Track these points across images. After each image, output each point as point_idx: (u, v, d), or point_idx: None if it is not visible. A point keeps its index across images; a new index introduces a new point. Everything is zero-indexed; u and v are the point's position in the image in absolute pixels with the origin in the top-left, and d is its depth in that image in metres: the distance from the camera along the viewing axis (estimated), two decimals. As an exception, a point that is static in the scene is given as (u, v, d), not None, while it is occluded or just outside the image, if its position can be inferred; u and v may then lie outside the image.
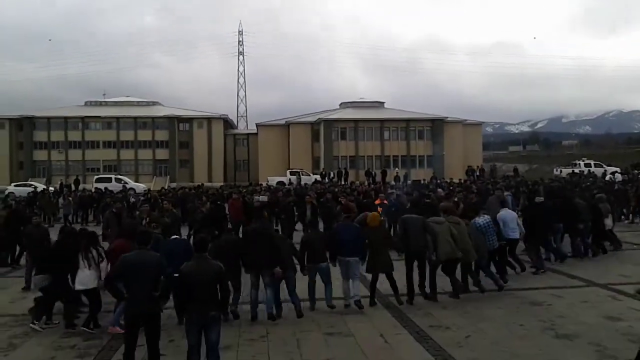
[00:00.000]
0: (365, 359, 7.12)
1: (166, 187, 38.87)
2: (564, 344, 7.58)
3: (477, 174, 45.35)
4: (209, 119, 63.22)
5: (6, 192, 36.40)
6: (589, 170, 42.91)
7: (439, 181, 35.94)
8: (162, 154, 62.28)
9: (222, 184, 50.63)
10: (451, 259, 10.05)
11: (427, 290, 10.15)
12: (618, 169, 42.03)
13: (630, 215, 21.62)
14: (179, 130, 62.75)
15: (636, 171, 38.13)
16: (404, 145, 58.64)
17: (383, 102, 67.36)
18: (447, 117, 60.48)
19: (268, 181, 42.85)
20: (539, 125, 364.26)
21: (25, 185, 43.81)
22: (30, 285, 11.19)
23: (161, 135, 62.40)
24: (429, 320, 8.80)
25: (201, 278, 6.32)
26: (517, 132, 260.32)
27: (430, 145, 58.27)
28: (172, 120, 62.31)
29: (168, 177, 59.58)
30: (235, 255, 9.02)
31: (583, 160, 48.55)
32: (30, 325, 8.81)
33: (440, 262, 10.12)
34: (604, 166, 44.95)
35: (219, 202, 18.78)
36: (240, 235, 11.26)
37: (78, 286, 8.68)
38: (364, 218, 10.54)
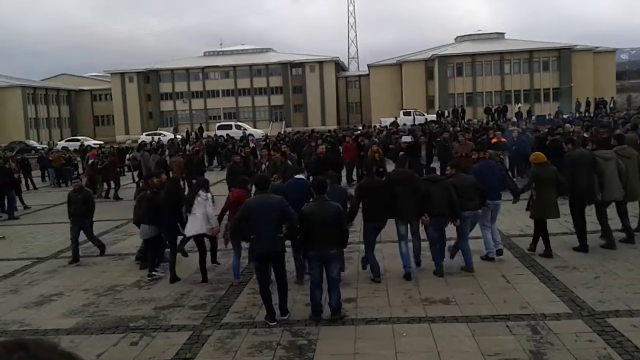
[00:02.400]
0: (486, 298, 7.04)
1: (282, 132, 40.00)
2: None
3: (612, 105, 41.69)
4: (321, 63, 63.45)
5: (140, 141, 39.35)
6: None
7: (565, 116, 33.58)
8: (277, 99, 63.90)
9: (335, 126, 51.13)
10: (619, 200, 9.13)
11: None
12: None
13: None
14: (292, 75, 63.78)
15: None
16: (527, 78, 55.18)
17: (503, 33, 63.40)
18: (576, 46, 55.74)
19: (381, 122, 42.53)
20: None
21: (155, 134, 47.16)
22: None
23: (275, 81, 63.83)
24: (555, 261, 8.45)
25: (321, 218, 6.56)
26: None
27: (556, 78, 54.34)
28: (285, 66, 63.34)
29: (283, 122, 61.22)
30: (379, 198, 8.08)
31: None
32: (152, 274, 8.88)
33: (607, 203, 9.20)
34: None
35: (334, 144, 19.05)
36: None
37: (189, 232, 8.59)
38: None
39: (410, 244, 8.29)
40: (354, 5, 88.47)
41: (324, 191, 6.88)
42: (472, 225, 8.58)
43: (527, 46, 56.83)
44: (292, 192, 7.98)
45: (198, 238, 8.62)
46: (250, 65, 64.52)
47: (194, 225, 8.46)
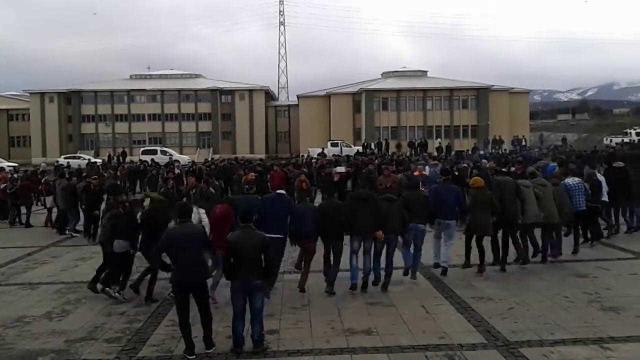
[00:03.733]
0: (407, 329, 7.16)
1: (209, 159, 39.51)
2: (610, 317, 7.44)
3: (524, 143, 44.23)
4: (251, 91, 63.59)
5: (58, 163, 37.63)
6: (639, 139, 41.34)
7: (482, 152, 35.27)
8: (205, 126, 63.18)
9: (263, 155, 51.11)
10: (536, 223, 10.22)
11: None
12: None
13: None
14: (221, 103, 63.41)
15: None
16: (447, 115, 57.68)
17: (426, 71, 66.19)
18: (492, 86, 59.04)
19: (309, 152, 42.95)
20: (589, 93, 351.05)
21: (74, 158, 45.26)
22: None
23: (204, 107, 63.22)
24: (471, 292, 8.76)
25: (246, 247, 6.48)
26: (566, 100, 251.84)
27: (474, 115, 57.14)
28: (215, 93, 62.95)
29: (211, 149, 60.52)
30: (338, 219, 8.76)
31: (635, 129, 46.76)
32: (116, 294, 8.74)
33: (526, 226, 10.19)
34: (658, 135, 43.17)
35: (261, 173, 19.01)
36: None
37: None
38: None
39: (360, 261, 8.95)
40: (284, 37, 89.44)
41: (250, 220, 6.82)
42: (419, 240, 9.44)
43: (448, 84, 59.62)
44: (272, 207, 8.71)
45: None
46: (179, 90, 63.62)
47: None
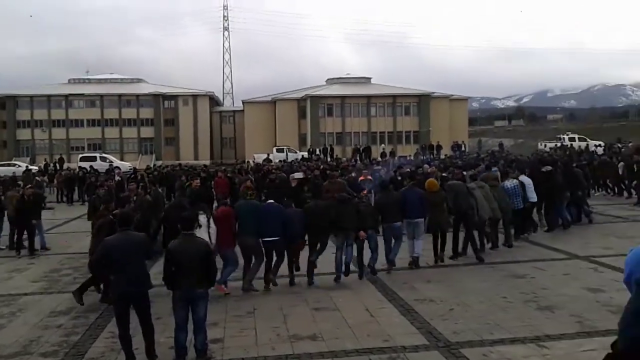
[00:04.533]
0: (352, 333, 7.21)
1: (152, 166, 38.63)
2: (546, 316, 7.73)
3: (463, 149, 45.52)
4: (195, 96, 62.69)
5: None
6: (572, 144, 43.29)
7: (424, 157, 36.06)
8: (147, 131, 61.77)
9: (208, 161, 50.48)
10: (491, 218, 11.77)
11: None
12: (602, 143, 42.42)
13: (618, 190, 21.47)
14: (164, 108, 62.21)
15: (620, 144, 38.45)
16: (391, 121, 58.68)
17: (370, 78, 67.14)
18: (433, 93, 60.49)
19: (254, 158, 42.73)
20: (525, 100, 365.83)
21: (8, 165, 43.28)
22: None
23: (146, 112, 61.82)
24: (414, 294, 8.92)
25: (188, 255, 6.35)
26: (503, 106, 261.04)
27: (416, 121, 58.36)
28: (157, 98, 61.70)
29: (153, 155, 59.21)
30: (325, 219, 9.76)
31: (567, 135, 48.94)
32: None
33: (483, 221, 11.63)
34: (588, 140, 45.31)
35: (205, 179, 18.76)
36: None
37: None
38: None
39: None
40: (229, 42, 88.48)
41: (191, 227, 6.70)
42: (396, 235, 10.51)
43: (391, 91, 60.73)
44: (265, 214, 9.40)
45: None
46: (120, 95, 61.98)
47: None
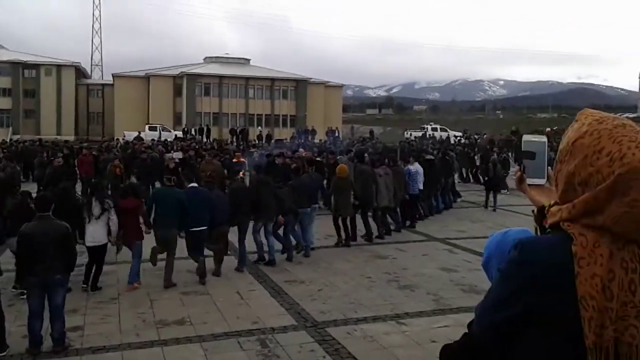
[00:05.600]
0: (220, 315, 7.20)
1: (8, 140, 35.25)
2: (406, 294, 8.27)
3: (337, 134, 46.77)
4: (59, 66, 57.91)
5: None
6: (434, 134, 46.27)
7: (301, 141, 36.57)
8: (3, 102, 56.09)
9: (72, 137, 47.17)
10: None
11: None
12: (461, 134, 45.74)
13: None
14: (23, 77, 56.76)
15: (476, 136, 41.75)
16: (269, 104, 58.62)
17: (249, 60, 66.41)
18: (310, 78, 61.31)
19: (124, 136, 40.62)
20: (394, 90, 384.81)
21: None
22: None
23: (3, 82, 56.03)
24: (285, 276, 9.10)
25: (45, 239, 5.94)
26: (375, 95, 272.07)
27: (293, 105, 58.88)
28: (16, 66, 56.15)
29: (10, 128, 54.00)
30: (247, 201, 9.50)
31: (431, 125, 52.14)
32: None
33: (380, 208, 11.96)
34: (449, 131, 48.63)
35: (68, 157, 17.54)
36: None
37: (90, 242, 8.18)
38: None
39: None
40: (99, 10, 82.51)
41: (48, 209, 6.25)
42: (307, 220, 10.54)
43: (269, 74, 60.59)
44: (193, 201, 8.66)
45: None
46: (-30, 61, 55.64)
47: (93, 234, 8.12)
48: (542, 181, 1.54)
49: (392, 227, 12.62)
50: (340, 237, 11.36)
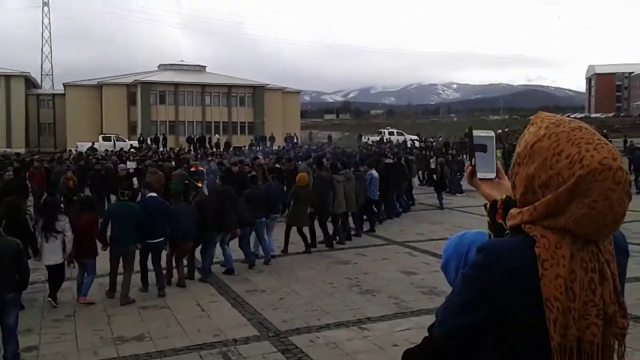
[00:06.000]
0: (181, 329, 7.08)
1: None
2: (367, 299, 8.32)
3: (295, 141, 46.79)
4: (7, 76, 55.96)
5: None
6: (391, 138, 46.77)
7: (259, 148, 36.41)
8: (-54, 114, 53.91)
9: (23, 149, 45.64)
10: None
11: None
12: (417, 137, 46.41)
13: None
14: (-32, 88, 54.73)
15: (432, 139, 42.46)
16: (226, 111, 58.15)
17: (205, 66, 65.79)
18: (267, 85, 61.18)
19: (77, 147, 39.57)
20: (351, 95, 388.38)
21: None
22: None
23: (-55, 93, 53.88)
24: (246, 286, 9.03)
25: (-6, 257, 5.73)
26: (332, 101, 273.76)
27: (251, 112, 58.59)
28: (-41, 76, 54.07)
29: (-43, 141, 51.88)
30: (213, 213, 9.37)
31: (387, 129, 52.68)
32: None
33: (337, 214, 11.94)
34: (405, 135, 49.27)
35: (19, 170, 16.91)
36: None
37: (48, 261, 7.97)
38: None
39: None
40: (49, 18, 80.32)
41: (-2, 226, 6.04)
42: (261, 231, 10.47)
43: (226, 81, 60.16)
44: (151, 212, 8.49)
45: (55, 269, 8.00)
46: None
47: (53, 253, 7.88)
48: (492, 175, 1.59)
49: (352, 233, 12.67)
50: (286, 247, 11.25)
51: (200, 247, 9.58)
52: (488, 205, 1.55)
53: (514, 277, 1.30)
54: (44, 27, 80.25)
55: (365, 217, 13.55)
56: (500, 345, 1.34)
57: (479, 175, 1.59)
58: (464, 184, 18.47)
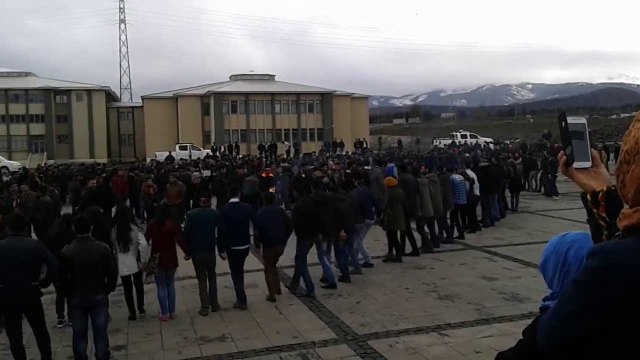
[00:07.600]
0: (261, 331, 7.17)
1: (43, 165, 36.18)
2: (446, 305, 8.11)
3: (365, 146, 46.70)
4: (89, 91, 59.41)
5: None
6: (464, 140, 45.65)
7: (329, 154, 36.60)
8: (37, 128, 57.74)
9: (105, 160, 48.15)
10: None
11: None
12: (491, 140, 45.13)
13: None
14: (55, 103, 58.41)
15: (508, 141, 41.17)
16: (295, 118, 58.93)
17: (274, 75, 66.99)
18: (335, 91, 61.46)
19: (156, 156, 41.30)
20: (420, 98, 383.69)
21: None
22: None
23: (36, 108, 57.74)
24: (322, 290, 9.01)
25: (85, 260, 6.01)
26: (400, 105, 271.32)
27: (320, 119, 59.06)
28: (48, 92, 57.81)
29: (45, 153, 55.46)
30: (315, 216, 9.00)
31: (460, 132, 51.54)
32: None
33: (425, 219, 11.61)
34: (478, 137, 48.03)
35: (104, 179, 17.83)
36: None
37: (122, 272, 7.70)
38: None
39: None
40: (126, 35, 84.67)
41: (87, 230, 6.33)
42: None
43: (294, 89, 60.98)
44: (231, 215, 8.38)
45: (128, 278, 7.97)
46: (6, 90, 57.38)
47: (125, 264, 7.73)
48: (588, 164, 1.49)
49: (445, 237, 12.37)
50: (392, 252, 10.87)
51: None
52: (588, 196, 1.44)
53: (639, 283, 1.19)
54: (121, 43, 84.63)
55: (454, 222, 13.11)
56: (615, 353, 1.24)
57: (575, 165, 1.48)
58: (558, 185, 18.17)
